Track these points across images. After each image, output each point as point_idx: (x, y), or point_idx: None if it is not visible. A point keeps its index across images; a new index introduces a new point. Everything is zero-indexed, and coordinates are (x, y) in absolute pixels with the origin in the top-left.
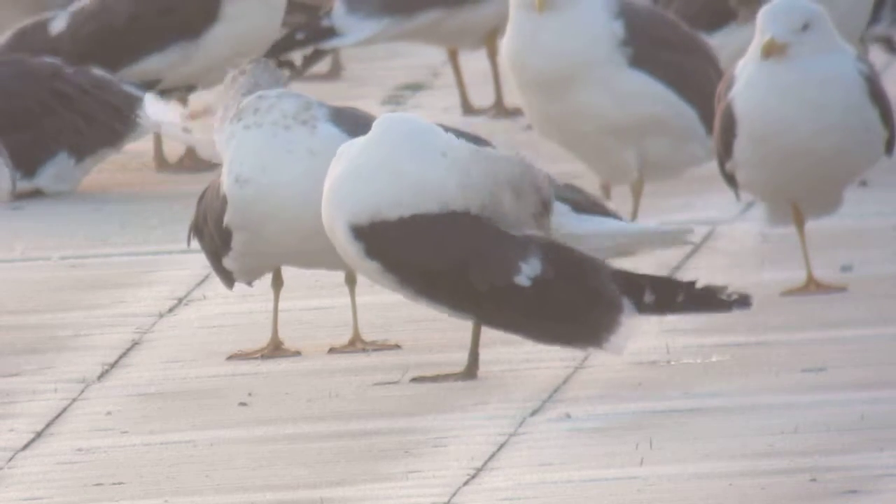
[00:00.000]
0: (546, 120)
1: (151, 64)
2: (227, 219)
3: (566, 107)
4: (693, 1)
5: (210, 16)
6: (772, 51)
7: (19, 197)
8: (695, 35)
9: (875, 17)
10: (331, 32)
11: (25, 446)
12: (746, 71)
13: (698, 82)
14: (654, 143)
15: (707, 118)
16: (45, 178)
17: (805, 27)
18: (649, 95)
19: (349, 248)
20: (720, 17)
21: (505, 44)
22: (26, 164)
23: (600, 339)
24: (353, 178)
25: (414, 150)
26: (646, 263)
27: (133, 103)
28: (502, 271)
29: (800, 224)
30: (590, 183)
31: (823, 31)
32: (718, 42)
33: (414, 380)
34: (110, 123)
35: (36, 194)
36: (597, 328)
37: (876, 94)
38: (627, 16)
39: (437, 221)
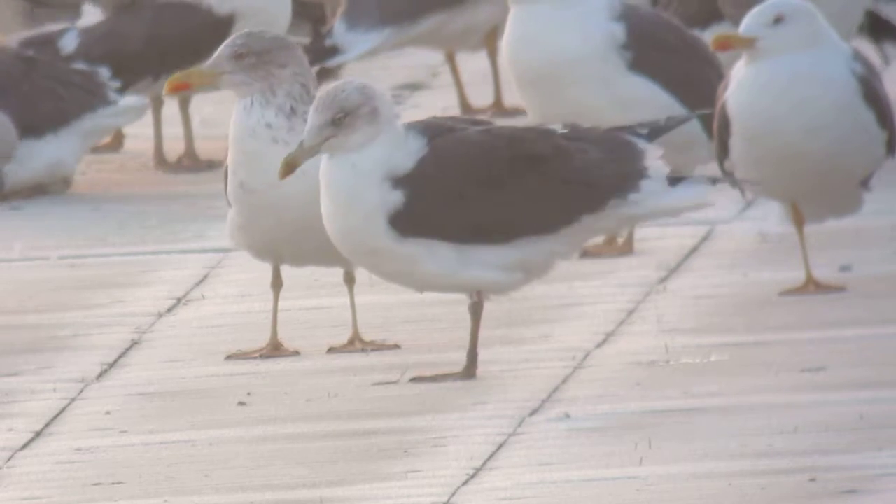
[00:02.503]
0: (546, 120)
1: (158, 86)
2: None
3: (564, 107)
4: (691, 2)
5: (221, 38)
6: (725, 44)
7: (19, 196)
8: (698, 40)
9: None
10: (333, 51)
11: (24, 446)
12: (740, 72)
13: (700, 89)
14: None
15: (710, 125)
16: (41, 163)
17: (778, 20)
18: (650, 102)
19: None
20: (717, 18)
21: (504, 38)
22: (17, 131)
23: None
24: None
25: None
26: (645, 263)
27: (91, 73)
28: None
29: (799, 224)
30: None
31: (803, 25)
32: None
33: (413, 380)
34: (85, 86)
35: (35, 193)
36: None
37: (871, 94)
38: (630, 19)
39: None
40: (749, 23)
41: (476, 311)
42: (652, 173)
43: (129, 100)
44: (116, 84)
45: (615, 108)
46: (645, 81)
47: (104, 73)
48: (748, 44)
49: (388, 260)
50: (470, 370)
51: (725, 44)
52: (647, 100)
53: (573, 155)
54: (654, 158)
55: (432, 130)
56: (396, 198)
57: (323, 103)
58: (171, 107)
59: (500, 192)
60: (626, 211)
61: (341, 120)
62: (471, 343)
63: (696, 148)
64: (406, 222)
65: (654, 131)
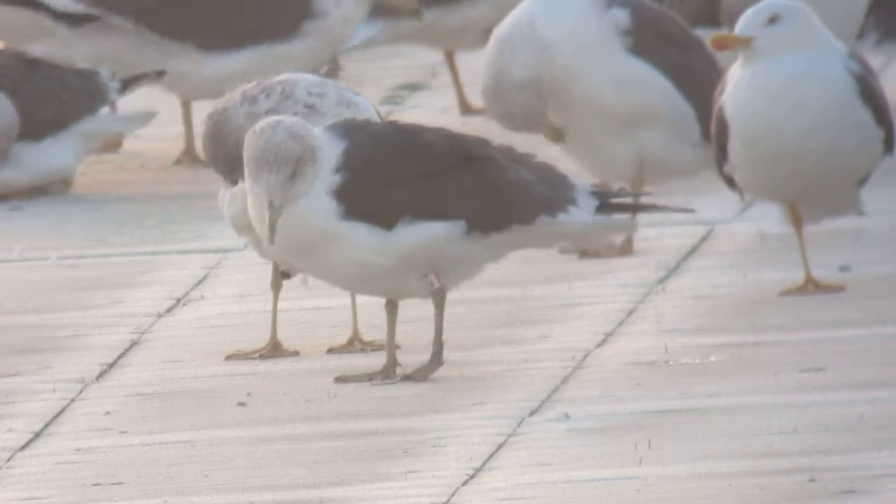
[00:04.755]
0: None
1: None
2: None
3: (566, 95)
4: (692, 3)
5: None
6: (722, 44)
7: (18, 196)
8: (700, 38)
9: (860, 34)
10: None
11: (24, 446)
12: (736, 74)
13: (698, 82)
14: (648, 137)
15: (703, 120)
16: (40, 166)
17: (772, 20)
18: (646, 83)
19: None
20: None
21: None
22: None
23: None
24: None
25: None
26: (644, 264)
27: (92, 74)
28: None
29: (798, 224)
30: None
31: (798, 25)
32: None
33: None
34: (85, 88)
35: (35, 193)
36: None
37: (867, 92)
38: (633, 6)
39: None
40: (744, 23)
41: (439, 297)
42: (581, 203)
43: (137, 108)
44: (117, 85)
45: (612, 90)
46: (643, 65)
47: (105, 73)
48: (745, 43)
49: (329, 244)
50: (433, 366)
51: (723, 43)
52: (644, 82)
53: (506, 167)
54: (584, 194)
55: (353, 126)
56: (337, 179)
57: (275, 159)
58: (173, 106)
59: (434, 184)
60: (554, 229)
61: (296, 172)
62: (436, 333)
63: (685, 146)
64: (345, 201)
65: (604, 194)
